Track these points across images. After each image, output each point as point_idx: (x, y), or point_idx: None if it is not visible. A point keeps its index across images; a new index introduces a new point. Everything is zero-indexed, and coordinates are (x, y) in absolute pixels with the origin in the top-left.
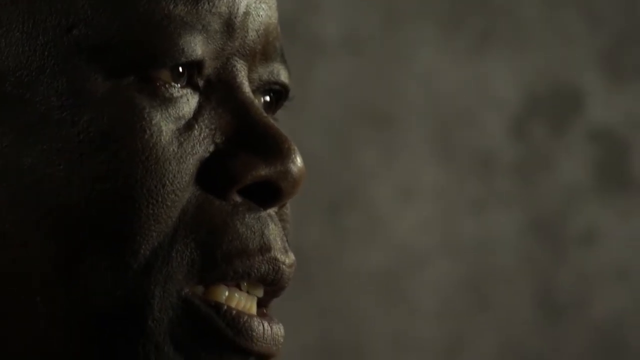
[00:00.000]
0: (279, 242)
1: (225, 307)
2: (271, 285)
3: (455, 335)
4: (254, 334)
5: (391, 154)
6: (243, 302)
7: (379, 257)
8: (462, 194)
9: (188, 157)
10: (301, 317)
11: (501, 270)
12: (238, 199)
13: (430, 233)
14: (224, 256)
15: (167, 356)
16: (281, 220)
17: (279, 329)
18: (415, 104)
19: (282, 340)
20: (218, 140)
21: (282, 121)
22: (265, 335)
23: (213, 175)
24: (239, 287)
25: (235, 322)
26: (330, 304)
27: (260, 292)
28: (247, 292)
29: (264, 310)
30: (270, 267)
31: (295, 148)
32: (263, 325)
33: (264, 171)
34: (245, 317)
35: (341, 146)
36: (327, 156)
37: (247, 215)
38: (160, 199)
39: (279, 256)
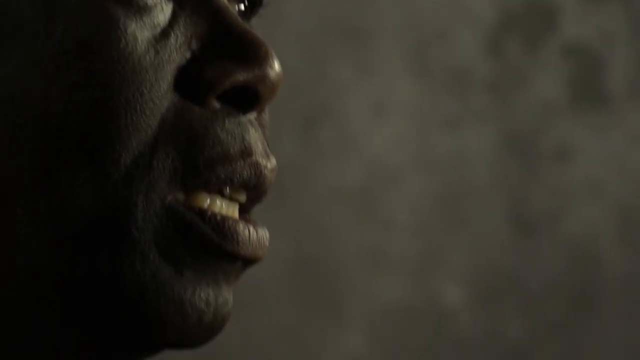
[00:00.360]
0: (260, 146)
1: (210, 212)
2: (253, 190)
3: (428, 250)
4: (240, 237)
5: (366, 69)
6: (225, 208)
7: (353, 172)
8: (437, 110)
9: (165, 65)
10: (275, 231)
11: (475, 187)
12: (217, 105)
13: (404, 149)
14: (206, 162)
15: (153, 264)
16: (260, 126)
17: (264, 233)
18: (390, 19)
19: (267, 243)
20: (194, 47)
21: (258, 34)
22: (251, 239)
23: (191, 82)
24: (221, 193)
25: (220, 227)
26: (304, 219)
27: (242, 198)
28: (230, 199)
29: (247, 216)
30: (252, 171)
31: (273, 52)
32: (248, 229)
33: (241, 76)
34: (230, 222)
35: (316, 61)
36: (302, 71)
37: (227, 121)
38: (138, 108)
39: (260, 160)
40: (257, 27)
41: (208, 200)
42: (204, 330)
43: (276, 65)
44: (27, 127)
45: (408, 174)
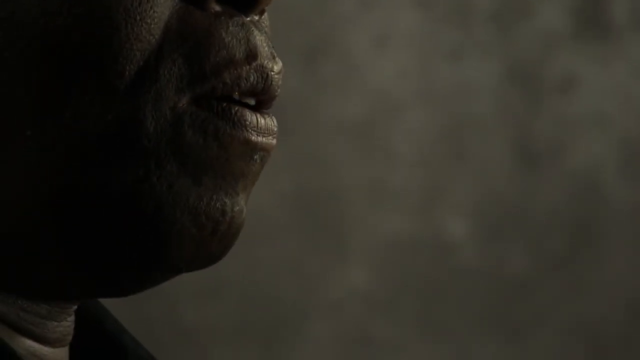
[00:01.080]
0: (266, 48)
1: (217, 103)
2: (261, 95)
3: (431, 183)
4: (248, 122)
5: (367, 0)
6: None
7: (356, 104)
8: (440, 41)
9: None
10: (277, 165)
11: (478, 119)
12: (218, 7)
13: (407, 81)
14: (212, 68)
15: (171, 174)
16: (264, 31)
17: (271, 120)
18: None
19: (276, 129)
20: None
21: None
22: (260, 125)
23: None
24: (229, 99)
25: (227, 112)
26: (306, 152)
27: (251, 101)
28: (239, 102)
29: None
30: (259, 74)
31: None
32: (256, 115)
33: None
34: (237, 108)
35: None
36: (303, 3)
37: (230, 23)
38: (138, 17)
39: (266, 63)
40: None
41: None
42: (218, 239)
43: None
44: (27, 46)
45: (411, 106)
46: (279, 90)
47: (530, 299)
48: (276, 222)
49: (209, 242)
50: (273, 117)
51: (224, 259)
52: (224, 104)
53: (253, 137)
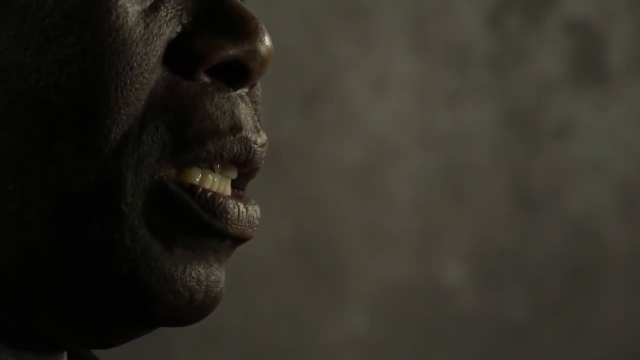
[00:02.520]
0: (250, 122)
1: (201, 189)
2: (244, 166)
3: (429, 228)
4: (229, 216)
5: (366, 45)
6: (217, 184)
7: (354, 149)
8: (437, 86)
9: (155, 39)
10: (275, 209)
11: (476, 163)
12: (206, 79)
13: (405, 125)
14: (195, 137)
15: (143, 240)
16: (253, 101)
17: (254, 211)
18: None
19: (257, 222)
20: (185, 21)
21: (257, 12)
22: (241, 218)
23: (181, 56)
24: (212, 169)
25: (210, 204)
26: (304, 196)
27: (233, 174)
28: (221, 174)
29: (239, 193)
30: (242, 146)
31: (263, 27)
32: (238, 207)
33: (232, 50)
34: (221, 199)
35: (316, 37)
36: (302, 47)
37: (216, 96)
38: (128, 82)
39: (250, 135)
40: (258, 3)
41: (200, 176)
42: (195, 308)
43: (267, 40)
44: (18, 100)
45: (408, 151)
46: (262, 162)
47: (529, 344)
48: (273, 267)
49: (186, 309)
50: (257, 208)
51: (222, 303)
52: (209, 194)
53: (231, 230)
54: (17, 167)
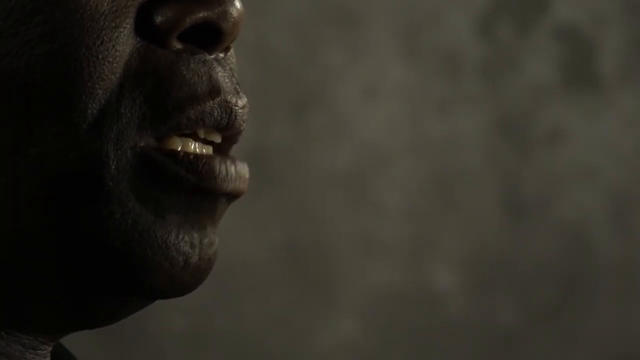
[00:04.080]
0: (229, 84)
1: (182, 153)
2: (226, 130)
3: (420, 235)
4: (217, 174)
5: (357, 52)
6: (199, 149)
7: (345, 156)
8: (428, 93)
9: (124, 10)
10: (266, 218)
11: (467, 170)
12: (180, 45)
13: (395, 132)
14: (174, 105)
15: (133, 212)
16: (228, 67)
17: (242, 167)
18: (381, 2)
19: (247, 176)
20: None
21: (247, 19)
22: (229, 173)
23: (152, 24)
24: (195, 137)
25: (194, 166)
26: (295, 203)
27: (217, 138)
28: (204, 141)
29: (224, 152)
30: (223, 110)
31: None
32: (225, 164)
33: (202, 13)
34: (204, 160)
35: (307, 45)
36: (293, 55)
37: (191, 60)
38: (100, 56)
39: (230, 98)
40: (249, 11)
41: (180, 144)
42: (191, 273)
43: (236, 1)
44: None
45: (399, 158)
46: (244, 125)
47: (520, 350)
48: (264, 274)
49: (182, 275)
50: (244, 164)
51: (213, 310)
52: (191, 156)
53: (222, 187)
54: None
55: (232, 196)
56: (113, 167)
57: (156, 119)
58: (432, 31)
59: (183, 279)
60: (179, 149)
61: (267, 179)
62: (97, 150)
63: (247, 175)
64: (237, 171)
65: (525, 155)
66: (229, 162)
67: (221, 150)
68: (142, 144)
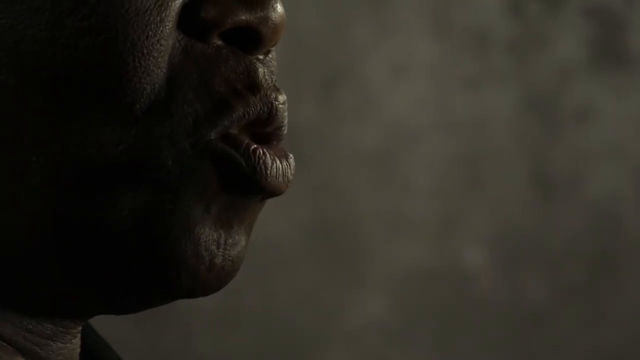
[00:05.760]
0: (269, 81)
1: (246, 142)
2: (267, 125)
3: (449, 213)
4: (269, 171)
5: (385, 30)
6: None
7: (373, 134)
8: (457, 71)
9: (167, 5)
10: (295, 195)
11: (496, 148)
12: (220, 42)
13: (424, 110)
14: (220, 99)
15: (187, 205)
16: (267, 66)
17: (288, 165)
18: None
19: (292, 177)
20: None
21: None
22: (278, 173)
23: (194, 20)
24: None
25: (252, 158)
26: (324, 182)
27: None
28: (253, 135)
29: (275, 143)
30: (263, 105)
31: None
32: (276, 162)
33: (244, 16)
34: (260, 152)
35: (335, 23)
36: (321, 33)
37: (231, 57)
38: (145, 51)
39: (270, 93)
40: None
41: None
42: (214, 275)
43: (279, 7)
44: (35, 74)
45: (428, 136)
46: (285, 121)
47: (548, 328)
48: (293, 252)
49: (206, 276)
50: (291, 161)
51: (242, 288)
52: (253, 147)
53: (268, 186)
54: (39, 139)
55: (270, 195)
56: (169, 160)
57: (210, 114)
58: (460, 9)
59: (207, 280)
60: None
61: (296, 158)
62: (148, 144)
63: (292, 176)
64: (283, 169)
65: (554, 133)
66: (278, 161)
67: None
68: (207, 138)
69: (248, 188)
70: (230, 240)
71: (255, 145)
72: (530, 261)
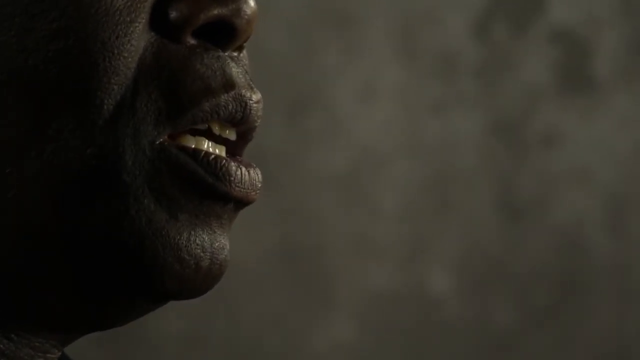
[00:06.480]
0: (243, 79)
1: (203, 152)
2: (241, 124)
3: (416, 236)
4: (232, 178)
5: (353, 53)
6: (212, 149)
7: (341, 158)
8: (424, 94)
9: (139, 5)
10: (262, 218)
11: (463, 172)
12: (193, 41)
13: (392, 134)
14: (189, 98)
15: (148, 209)
16: (241, 65)
17: (256, 174)
18: (378, 3)
19: (260, 185)
20: None
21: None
22: (244, 180)
23: (166, 20)
24: (209, 134)
25: (213, 167)
26: (291, 206)
27: (232, 135)
28: (219, 137)
29: (239, 157)
30: (237, 103)
31: None
32: (241, 170)
33: (216, 10)
34: (223, 162)
35: (303, 46)
36: (289, 56)
37: (205, 56)
38: (115, 51)
39: (244, 92)
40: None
41: (194, 143)
42: (202, 276)
43: (250, 0)
44: (7, 81)
45: (396, 159)
46: (258, 120)
47: (515, 352)
48: (260, 275)
49: (193, 278)
50: (258, 172)
51: (210, 312)
52: (212, 157)
53: (234, 192)
54: (12, 150)
55: (242, 203)
56: (130, 162)
57: (172, 113)
58: (428, 33)
59: (194, 282)
60: (193, 146)
61: (264, 181)
62: (114, 146)
63: (260, 185)
64: (250, 178)
65: (520, 157)
66: (244, 169)
67: (235, 148)
68: (160, 139)
69: (213, 196)
70: (217, 244)
71: (214, 155)
72: (497, 285)
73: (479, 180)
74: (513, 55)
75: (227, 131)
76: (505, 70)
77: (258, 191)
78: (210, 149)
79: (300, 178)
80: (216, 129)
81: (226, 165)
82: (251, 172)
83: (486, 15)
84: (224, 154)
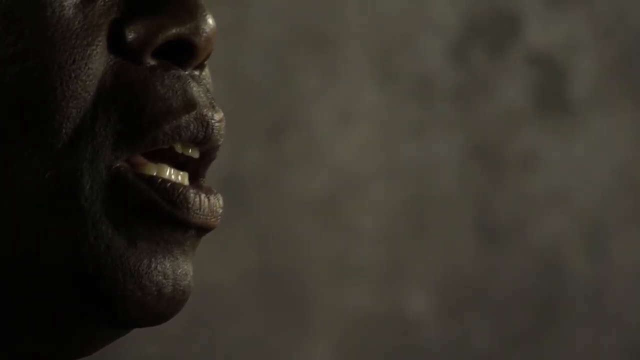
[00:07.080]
0: (204, 98)
1: (160, 179)
2: (203, 144)
3: (394, 259)
4: (190, 205)
5: (331, 77)
6: (174, 176)
7: (319, 181)
8: (402, 117)
9: (96, 28)
10: (240, 241)
11: (441, 195)
12: (153, 62)
13: (370, 157)
14: (150, 120)
15: (106, 235)
16: (203, 84)
17: (216, 200)
18: (355, 27)
19: (220, 211)
20: (124, 9)
21: (221, 44)
22: (203, 207)
23: (124, 42)
24: (171, 159)
25: (170, 194)
26: (269, 229)
27: (195, 153)
28: (182, 154)
29: (199, 183)
30: (199, 123)
31: (203, 4)
32: (200, 197)
33: (175, 29)
34: (181, 189)
35: (281, 69)
36: (267, 79)
37: (166, 76)
38: (73, 75)
39: (205, 112)
40: (223, 35)
41: (156, 170)
42: (165, 303)
43: (208, 16)
44: None
45: (373, 182)
46: (221, 139)
47: None
48: (237, 298)
49: (155, 305)
50: (219, 197)
51: (187, 335)
52: (169, 184)
53: (193, 220)
54: None
55: (203, 230)
56: (87, 187)
57: (132, 136)
58: (405, 56)
59: (157, 309)
60: (155, 174)
61: (241, 204)
62: (72, 170)
63: (220, 210)
64: (210, 205)
65: (498, 180)
66: (203, 196)
67: (199, 167)
68: (118, 164)
69: (172, 223)
70: (179, 271)
71: (171, 182)
72: (475, 307)
73: (457, 203)
74: (490, 79)
75: (190, 150)
76: (482, 93)
77: (219, 217)
78: (173, 177)
79: (279, 201)
80: (178, 148)
81: (184, 192)
82: (211, 198)
83: (463, 39)
84: (186, 181)
